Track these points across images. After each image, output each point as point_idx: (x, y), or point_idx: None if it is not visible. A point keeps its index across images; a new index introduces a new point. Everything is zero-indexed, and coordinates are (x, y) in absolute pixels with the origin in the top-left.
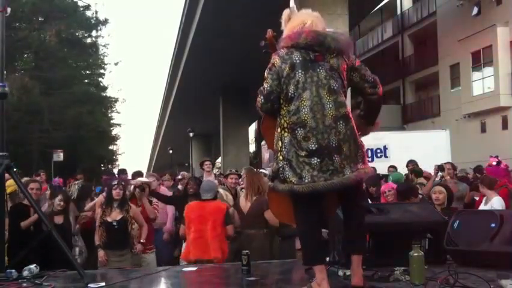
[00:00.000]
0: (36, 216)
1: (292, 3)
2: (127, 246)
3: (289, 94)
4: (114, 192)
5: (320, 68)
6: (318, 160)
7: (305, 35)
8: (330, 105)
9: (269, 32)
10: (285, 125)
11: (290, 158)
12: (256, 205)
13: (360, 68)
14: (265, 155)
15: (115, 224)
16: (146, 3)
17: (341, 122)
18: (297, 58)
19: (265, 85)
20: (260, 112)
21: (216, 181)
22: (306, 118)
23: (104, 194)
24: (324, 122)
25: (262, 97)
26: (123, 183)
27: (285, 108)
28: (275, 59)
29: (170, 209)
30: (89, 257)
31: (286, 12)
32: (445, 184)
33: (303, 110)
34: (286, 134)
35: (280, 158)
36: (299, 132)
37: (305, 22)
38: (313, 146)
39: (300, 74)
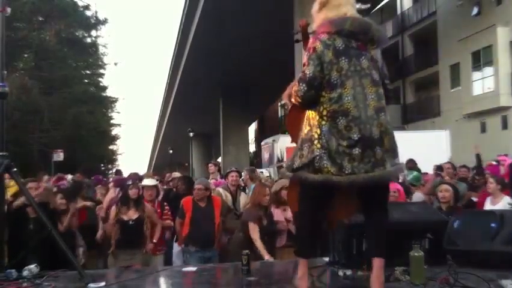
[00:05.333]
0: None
1: None
2: (139, 246)
3: (332, 80)
4: (131, 192)
5: (363, 57)
6: (360, 151)
7: (351, 22)
8: (373, 96)
9: (303, 21)
10: (324, 112)
11: (330, 147)
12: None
13: (383, 63)
14: (265, 155)
15: (131, 222)
16: (146, 3)
17: (382, 113)
18: (340, 45)
19: (306, 71)
20: (298, 101)
21: (212, 180)
22: (349, 107)
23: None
24: (366, 113)
25: (304, 84)
26: (138, 182)
27: (325, 95)
28: (316, 44)
29: None
30: (90, 256)
31: None
32: (452, 183)
33: (346, 98)
34: (324, 123)
35: (318, 146)
36: (341, 121)
37: (346, 13)
38: (355, 136)
39: (344, 61)
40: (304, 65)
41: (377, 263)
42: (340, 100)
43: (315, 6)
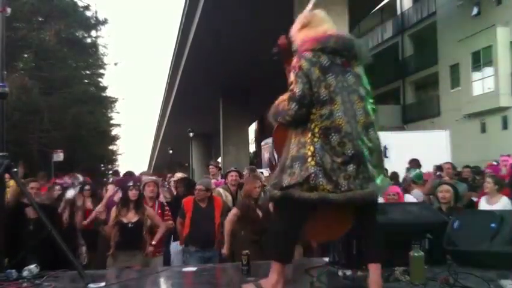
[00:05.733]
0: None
1: (310, 5)
2: (138, 248)
3: (321, 97)
4: (130, 193)
5: (348, 73)
6: (355, 167)
7: (335, 39)
8: (361, 112)
9: (283, 39)
10: (316, 129)
11: (325, 164)
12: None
13: None
14: (265, 155)
15: (130, 225)
16: (146, 3)
17: (371, 129)
18: (325, 61)
19: (295, 90)
20: (288, 121)
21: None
22: (340, 123)
23: (107, 193)
24: (357, 128)
25: (294, 103)
26: (138, 184)
27: (316, 112)
28: (301, 62)
29: None
30: (91, 258)
31: (306, 16)
32: (452, 183)
33: (337, 114)
34: (316, 140)
35: (312, 163)
36: (334, 137)
37: (327, 31)
38: (349, 151)
39: (331, 77)
40: (291, 84)
41: (375, 268)
42: (331, 116)
43: (296, 26)
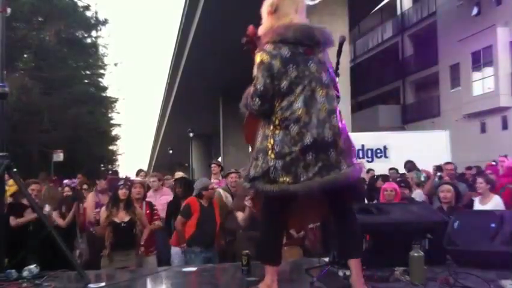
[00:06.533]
0: (32, 217)
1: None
2: (132, 247)
3: (282, 90)
4: (120, 192)
5: (311, 61)
6: (313, 155)
7: (294, 29)
8: (323, 99)
9: (251, 28)
10: (277, 122)
11: (283, 156)
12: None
13: (333, 69)
14: None
15: (123, 225)
16: (146, 3)
17: (334, 115)
18: (286, 53)
19: (258, 86)
20: (254, 113)
21: (215, 181)
22: (300, 113)
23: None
24: (318, 116)
25: (257, 99)
26: (129, 183)
27: (276, 104)
28: (262, 56)
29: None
30: (91, 259)
31: (274, 2)
32: (453, 183)
33: (296, 105)
34: (278, 132)
35: (272, 156)
36: (293, 128)
37: (292, 20)
38: (308, 140)
39: (292, 68)
40: (254, 78)
41: (354, 263)
42: (290, 108)
43: (264, 9)
